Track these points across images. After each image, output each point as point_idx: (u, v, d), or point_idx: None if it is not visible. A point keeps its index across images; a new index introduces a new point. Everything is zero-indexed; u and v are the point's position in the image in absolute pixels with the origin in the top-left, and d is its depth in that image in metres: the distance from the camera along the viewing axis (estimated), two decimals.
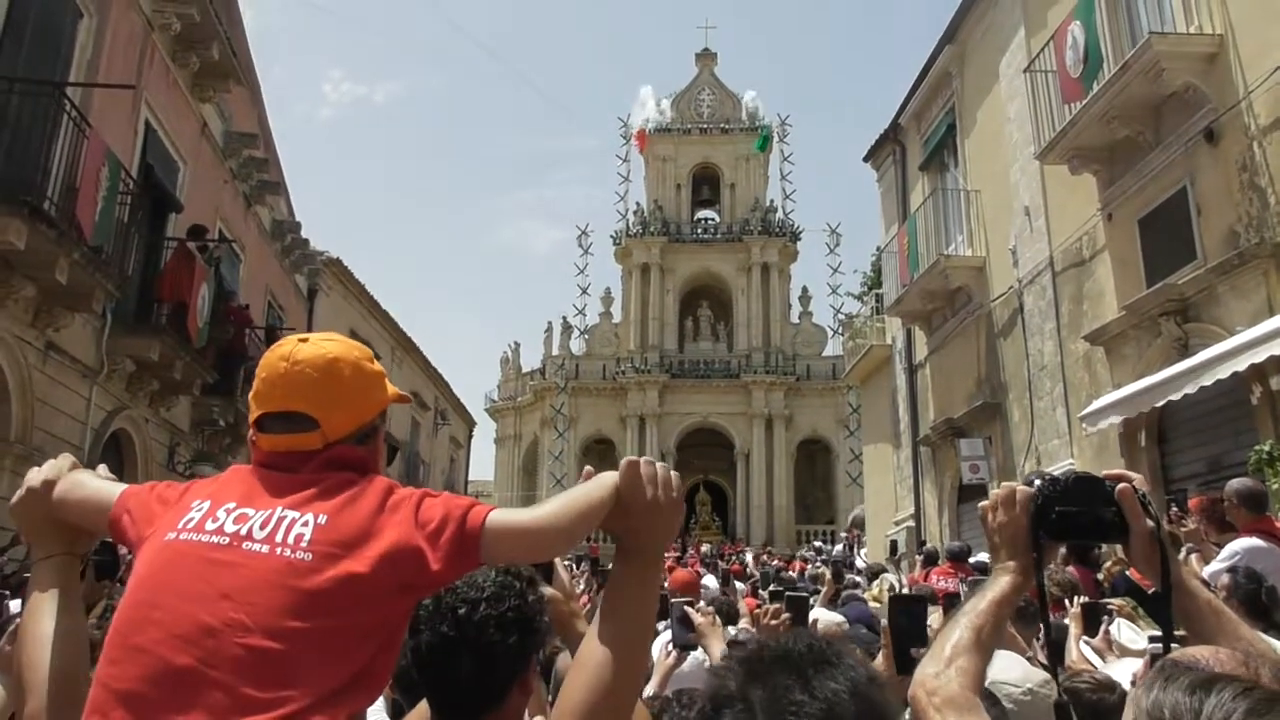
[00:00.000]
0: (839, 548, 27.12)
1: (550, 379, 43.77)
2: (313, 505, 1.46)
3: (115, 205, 9.80)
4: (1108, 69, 10.38)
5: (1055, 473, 1.56)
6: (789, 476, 41.87)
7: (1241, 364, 7.72)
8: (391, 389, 1.68)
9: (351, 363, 1.60)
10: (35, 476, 1.67)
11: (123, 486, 1.64)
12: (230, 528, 1.44)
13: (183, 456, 13.15)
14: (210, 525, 1.45)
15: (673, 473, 1.54)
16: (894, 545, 17.94)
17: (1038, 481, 1.53)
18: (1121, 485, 1.50)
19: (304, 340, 1.60)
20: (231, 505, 1.48)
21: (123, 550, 3.32)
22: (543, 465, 42.90)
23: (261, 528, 1.43)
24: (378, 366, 1.66)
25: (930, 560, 11.74)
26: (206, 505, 1.49)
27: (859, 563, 21.06)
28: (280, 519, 1.44)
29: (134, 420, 11.83)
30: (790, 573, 23.58)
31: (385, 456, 1.70)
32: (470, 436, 38.48)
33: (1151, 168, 10.46)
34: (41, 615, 1.57)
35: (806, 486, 43.27)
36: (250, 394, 1.61)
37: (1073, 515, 1.49)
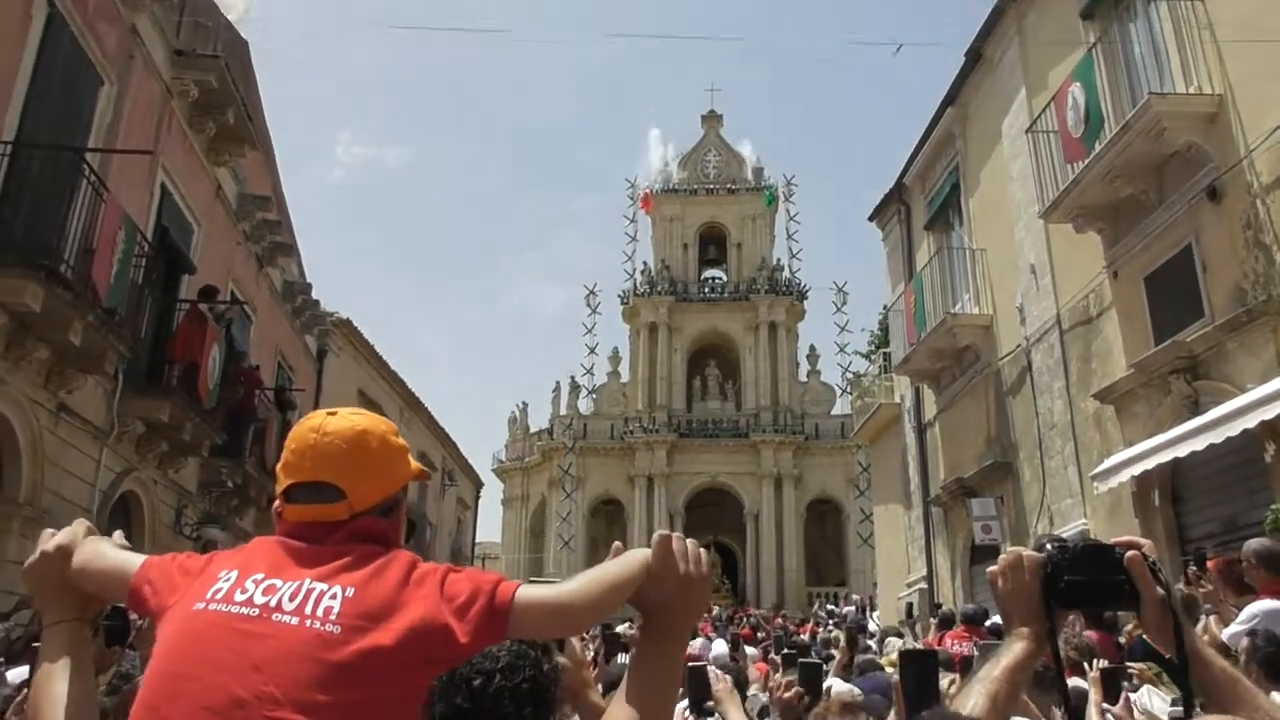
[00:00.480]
0: (850, 609, 26.77)
1: (558, 439, 43.66)
2: (340, 577, 1.47)
3: (130, 267, 9.92)
4: (1109, 129, 10.51)
5: (1065, 538, 1.55)
6: (799, 537, 41.49)
7: (1252, 421, 7.70)
8: (414, 464, 1.71)
9: (379, 435, 1.63)
10: (49, 541, 1.68)
11: (143, 557, 1.66)
12: (260, 599, 1.45)
13: (190, 518, 13.12)
14: (239, 596, 1.46)
15: (701, 550, 1.55)
16: (909, 607, 17.73)
17: (1048, 547, 1.52)
18: (1130, 553, 1.49)
19: (333, 413, 1.63)
20: (260, 576, 1.49)
21: (134, 616, 3.31)
22: (550, 527, 42.64)
23: (291, 599, 1.44)
24: (402, 441, 1.69)
25: (945, 623, 11.58)
26: (234, 575, 1.50)
27: (871, 625, 20.80)
28: (309, 591, 1.45)
29: (142, 482, 11.83)
30: (802, 636, 23.30)
31: (405, 531, 1.72)
32: (478, 497, 38.33)
33: (1156, 226, 10.53)
34: (55, 678, 1.57)
35: (817, 547, 42.85)
36: (278, 465, 1.64)
37: (1082, 584, 1.48)
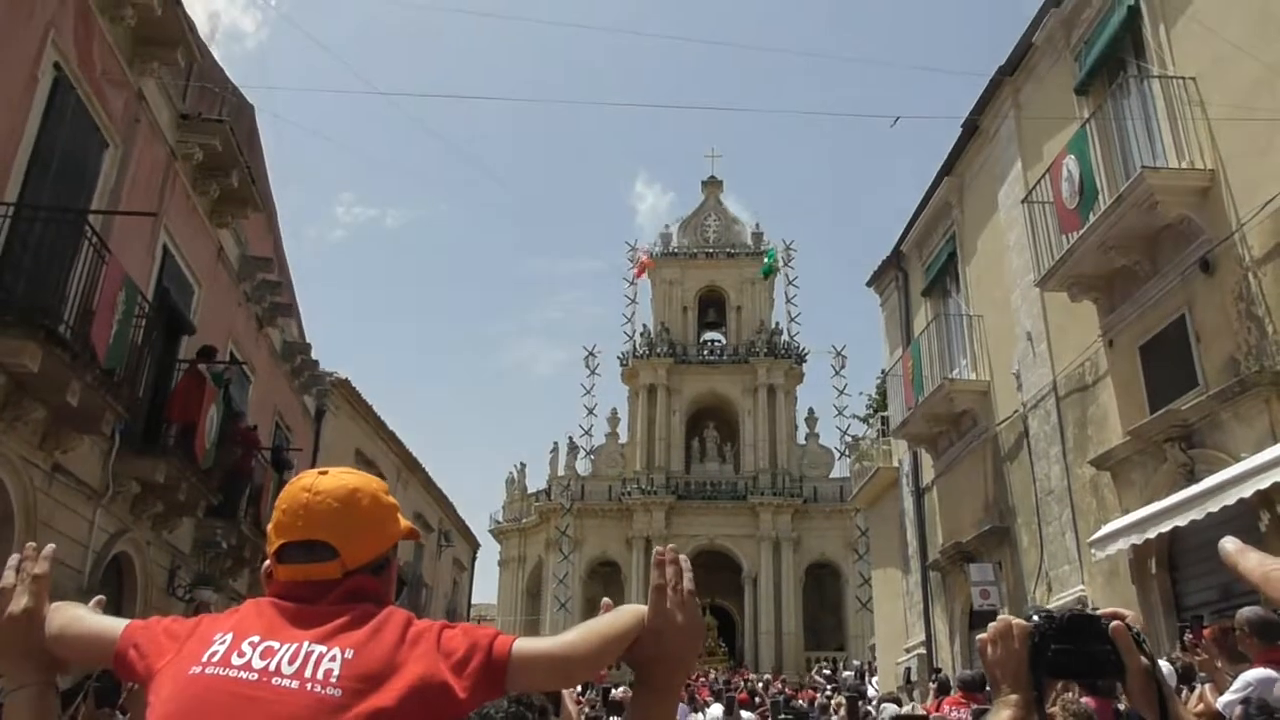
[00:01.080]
0: (849, 674, 26.45)
1: (556, 500, 43.47)
2: (338, 639, 1.47)
3: (130, 328, 9.96)
4: (1103, 201, 10.65)
5: (1051, 609, 1.58)
6: (797, 601, 41.13)
7: (1247, 490, 7.71)
8: (404, 522, 1.72)
9: (370, 494, 1.64)
10: (16, 604, 1.65)
11: (125, 621, 1.65)
12: (258, 663, 1.44)
13: (183, 580, 13.02)
14: (237, 660, 1.45)
15: (689, 587, 1.56)
16: (908, 673, 17.54)
17: (1035, 618, 1.54)
18: (1115, 624, 1.51)
19: (324, 473, 1.64)
20: (256, 638, 1.48)
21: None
22: (547, 588, 42.26)
23: (290, 662, 1.44)
24: (392, 499, 1.70)
25: (943, 689, 11.49)
26: (230, 638, 1.49)
27: (870, 691, 20.54)
28: (308, 653, 1.45)
29: (136, 543, 11.76)
30: (800, 702, 22.98)
31: (396, 588, 1.73)
32: (474, 559, 38.04)
33: (1150, 296, 10.62)
34: None
35: (815, 611, 42.44)
36: (270, 526, 1.64)
37: (1069, 652, 1.50)
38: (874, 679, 22.30)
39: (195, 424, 11.67)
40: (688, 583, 1.55)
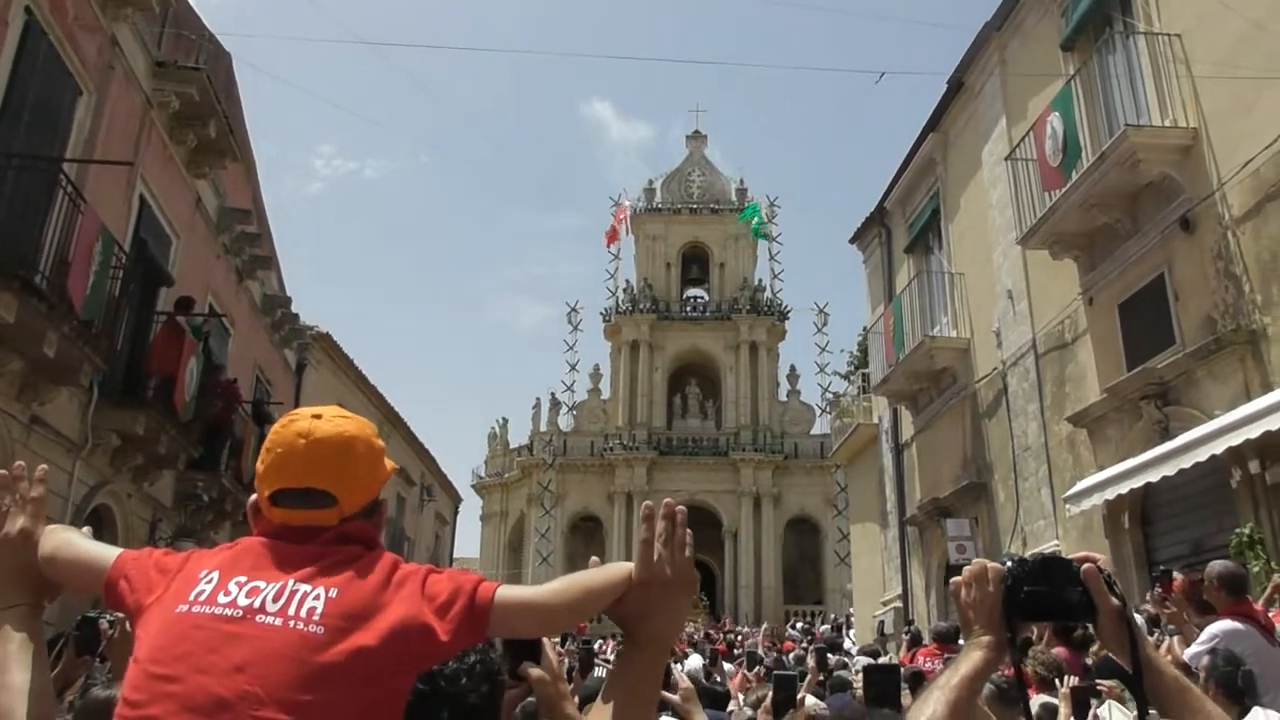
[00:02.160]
0: (826, 628, 26.80)
1: (538, 455, 43.58)
2: (323, 579, 1.48)
3: (107, 279, 9.87)
4: (1086, 158, 10.65)
5: (1023, 554, 1.60)
6: (777, 556, 41.56)
7: (1219, 447, 7.81)
8: (390, 463, 1.73)
9: (365, 440, 1.65)
10: (13, 524, 1.67)
11: (117, 550, 1.65)
12: (243, 601, 1.46)
13: (164, 532, 13.02)
14: (223, 598, 1.47)
15: (687, 532, 1.55)
16: (881, 625, 17.79)
17: (1009, 562, 1.56)
18: (1086, 566, 1.53)
19: (318, 416, 1.64)
20: (243, 578, 1.49)
21: (104, 624, 3.30)
22: (529, 543, 42.52)
23: (274, 600, 1.45)
24: (381, 442, 1.72)
25: (915, 641, 11.66)
26: (216, 576, 1.50)
27: (847, 644, 20.83)
28: (293, 592, 1.46)
29: (116, 495, 11.74)
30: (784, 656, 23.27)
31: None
32: (456, 513, 38.18)
33: (1130, 254, 10.67)
34: (13, 667, 1.56)
35: (795, 566, 42.91)
36: (261, 465, 1.63)
37: (1041, 595, 1.52)
38: (851, 632, 22.61)
39: (174, 376, 11.60)
40: (680, 537, 1.54)
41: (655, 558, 1.52)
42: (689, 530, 1.56)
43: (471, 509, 46.75)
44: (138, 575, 1.57)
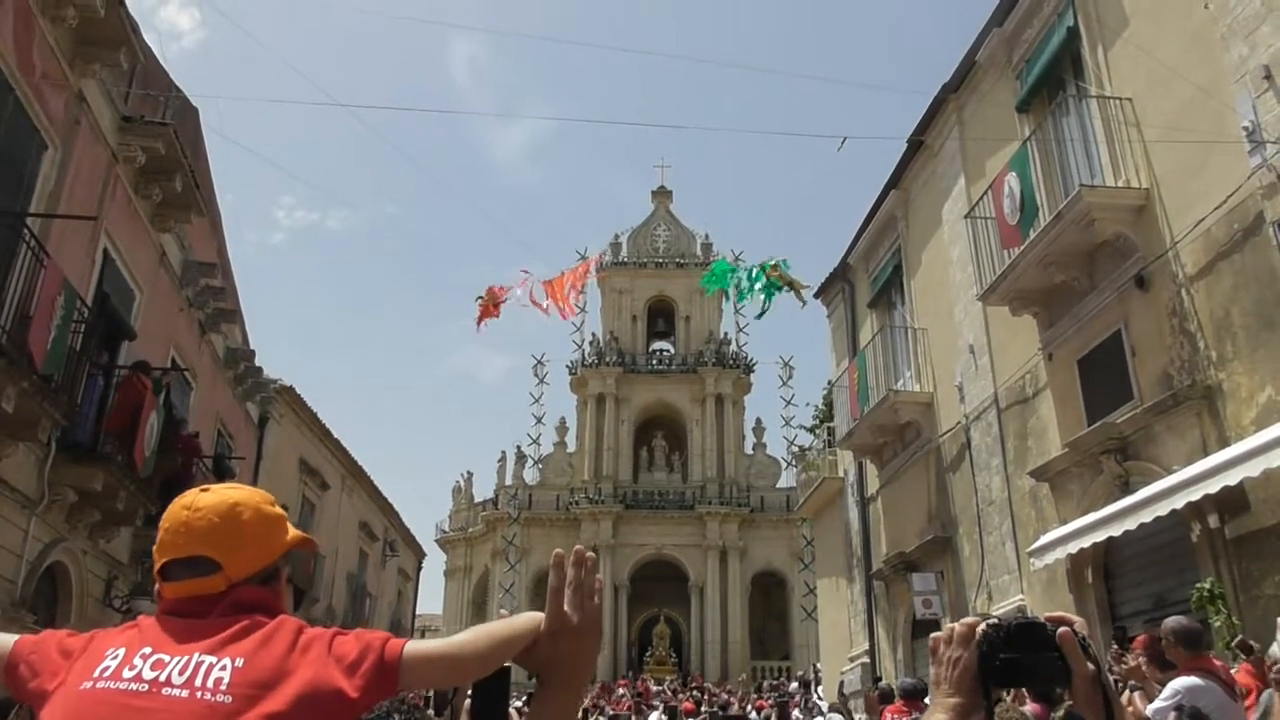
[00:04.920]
0: (794, 684, 26.64)
1: (503, 509, 43.28)
2: (228, 649, 1.48)
3: (68, 334, 9.77)
4: (1043, 217, 10.89)
5: (998, 617, 1.60)
6: (744, 610, 41.36)
7: (1178, 502, 7.92)
8: (293, 531, 1.73)
9: (252, 507, 1.66)
10: None
11: (15, 637, 1.63)
12: (149, 674, 1.45)
13: (120, 590, 12.74)
14: (128, 673, 1.46)
15: (597, 577, 1.58)
16: (842, 685, 17.66)
17: (982, 626, 1.55)
18: (1062, 629, 1.52)
19: (206, 490, 1.67)
20: (147, 651, 1.49)
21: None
22: (493, 598, 41.98)
23: (180, 673, 1.45)
24: (279, 510, 1.72)
25: (885, 698, 11.59)
26: (122, 653, 1.50)
27: (814, 699, 20.68)
28: (199, 664, 1.46)
29: (72, 553, 11.49)
30: (751, 711, 23.09)
31: (290, 598, 1.74)
32: (419, 568, 37.66)
33: (1088, 311, 10.87)
34: None
35: (761, 620, 42.70)
36: (155, 546, 1.65)
37: (1017, 662, 1.51)
38: (819, 688, 22.46)
39: (134, 432, 11.44)
40: (589, 584, 1.57)
41: (565, 607, 1.54)
42: (598, 576, 1.58)
43: (435, 564, 46.20)
44: (39, 660, 1.55)
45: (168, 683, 1.44)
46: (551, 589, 1.56)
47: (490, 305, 15.05)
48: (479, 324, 15.08)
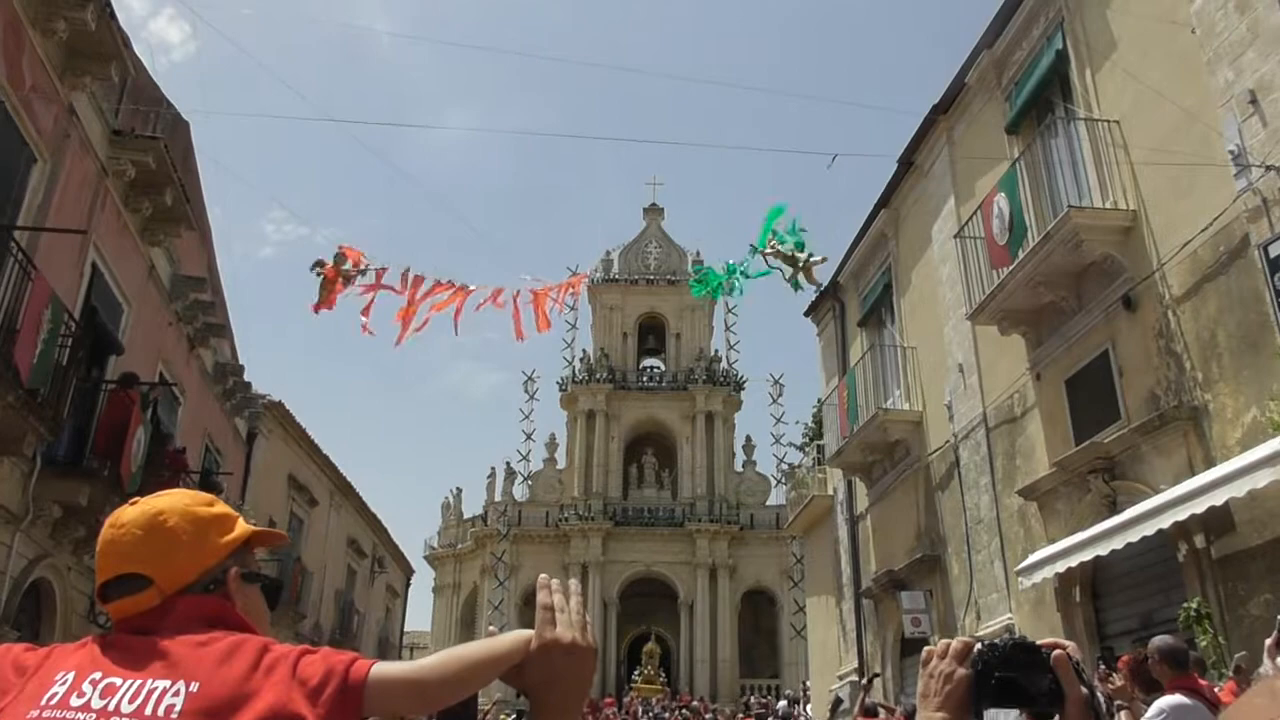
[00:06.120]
0: (783, 703, 26.56)
1: (492, 525, 43.11)
2: (182, 672, 1.42)
3: (55, 348, 9.73)
4: (1032, 238, 10.94)
5: (994, 638, 1.60)
6: (733, 628, 41.22)
7: (1165, 522, 7.95)
8: (243, 525, 1.65)
9: (179, 511, 1.57)
10: None
11: None
12: (97, 703, 1.39)
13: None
14: (75, 700, 1.40)
15: (583, 608, 1.56)
16: (837, 702, 17.64)
17: (978, 646, 1.55)
18: (1056, 653, 1.52)
19: (133, 503, 1.59)
20: (98, 676, 1.43)
21: None
22: (482, 615, 41.77)
23: (130, 701, 1.39)
24: (218, 509, 1.64)
25: (870, 714, 11.55)
26: (71, 677, 1.44)
27: (804, 718, 20.63)
28: (150, 690, 1.40)
29: (56, 569, 11.42)
30: None
31: (259, 600, 1.66)
32: (408, 585, 37.51)
33: (1075, 331, 10.92)
34: None
35: (751, 638, 42.56)
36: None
37: (1012, 682, 1.51)
38: (808, 706, 22.40)
39: (121, 446, 11.39)
40: (578, 604, 1.54)
41: (555, 626, 1.50)
42: (580, 596, 1.57)
43: (424, 581, 45.96)
44: None
45: (116, 711, 1.38)
46: (542, 605, 1.52)
47: (338, 279, 10.40)
48: (317, 308, 10.49)
